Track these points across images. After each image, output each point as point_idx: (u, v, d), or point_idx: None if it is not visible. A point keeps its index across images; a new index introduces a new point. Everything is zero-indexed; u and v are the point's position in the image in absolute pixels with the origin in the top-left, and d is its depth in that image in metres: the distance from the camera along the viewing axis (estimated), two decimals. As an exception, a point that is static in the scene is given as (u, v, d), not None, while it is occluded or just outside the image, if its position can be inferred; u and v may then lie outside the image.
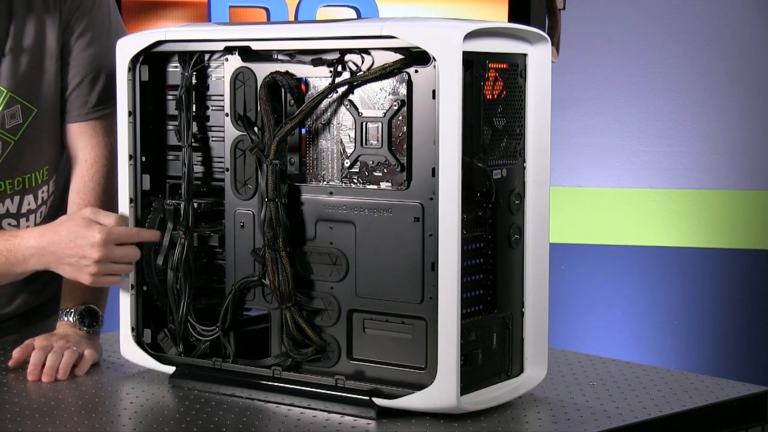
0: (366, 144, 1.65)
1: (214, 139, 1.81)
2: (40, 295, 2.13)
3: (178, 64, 1.81)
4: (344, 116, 1.66)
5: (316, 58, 1.67)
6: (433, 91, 1.57)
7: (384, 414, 1.62)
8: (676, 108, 3.99)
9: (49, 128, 2.02)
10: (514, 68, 1.67)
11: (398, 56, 1.60)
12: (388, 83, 1.62)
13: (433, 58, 1.56)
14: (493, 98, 1.64)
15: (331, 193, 1.68)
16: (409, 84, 1.60)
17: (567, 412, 1.65)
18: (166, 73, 1.83)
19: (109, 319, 1.99)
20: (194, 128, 1.81)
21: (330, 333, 1.68)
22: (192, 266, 1.80)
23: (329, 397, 1.66)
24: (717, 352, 4.03)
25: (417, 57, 1.59)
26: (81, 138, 2.02)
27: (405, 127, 1.61)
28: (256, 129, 1.72)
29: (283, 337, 1.70)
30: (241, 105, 1.73)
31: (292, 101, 1.70)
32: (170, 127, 1.84)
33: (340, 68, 1.65)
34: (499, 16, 3.28)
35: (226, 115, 1.75)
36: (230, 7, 3.31)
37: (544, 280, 1.71)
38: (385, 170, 1.64)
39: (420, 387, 1.60)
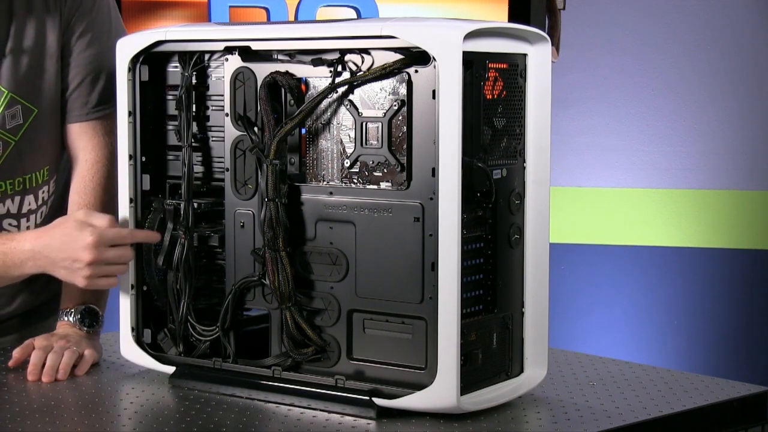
0: (366, 144, 1.65)
1: (214, 139, 1.81)
2: (40, 295, 2.13)
3: (178, 64, 1.81)
4: (344, 116, 1.66)
5: (316, 58, 1.67)
6: (433, 91, 1.58)
7: (384, 414, 1.62)
8: (676, 108, 3.99)
9: (50, 128, 2.02)
10: (514, 68, 1.67)
11: (398, 56, 1.60)
12: (388, 83, 1.62)
13: (433, 58, 1.56)
14: (493, 98, 1.64)
15: (331, 193, 1.68)
16: (409, 84, 1.60)
17: (567, 412, 1.65)
18: (166, 73, 1.84)
19: (109, 319, 1.99)
20: (194, 128, 1.81)
21: (330, 333, 1.68)
22: (192, 266, 1.80)
23: (329, 397, 1.66)
24: (717, 352, 4.03)
25: (417, 57, 1.59)
26: (81, 138, 2.02)
27: (405, 127, 1.61)
28: (256, 129, 1.72)
29: (283, 337, 1.70)
30: (241, 105, 1.73)
31: (292, 101, 1.70)
32: (170, 127, 1.84)
33: (340, 68, 1.65)
34: (499, 16, 3.28)
35: (226, 115, 1.75)
36: (230, 7, 3.31)
37: (544, 280, 1.71)
38: (385, 170, 1.64)
39: (420, 387, 1.60)
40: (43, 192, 2.06)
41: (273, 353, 1.73)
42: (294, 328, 1.69)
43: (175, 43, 1.78)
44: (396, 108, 1.61)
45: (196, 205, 1.80)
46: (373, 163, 1.64)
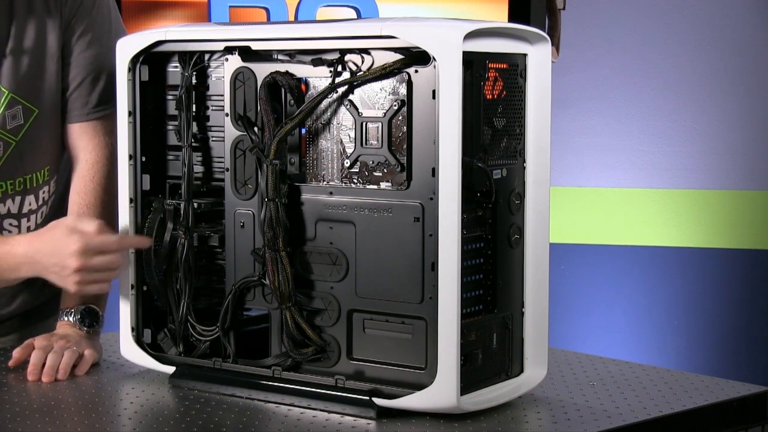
0: (366, 144, 1.65)
1: (214, 139, 1.81)
2: (40, 295, 2.13)
3: (178, 64, 1.81)
4: (344, 116, 1.67)
5: (316, 58, 1.67)
6: (433, 91, 1.58)
7: (384, 414, 1.62)
8: (676, 108, 3.99)
9: (50, 129, 2.02)
10: (514, 68, 1.67)
11: (398, 56, 1.60)
12: (388, 83, 1.62)
13: (433, 58, 1.56)
14: (493, 98, 1.64)
15: (331, 193, 1.68)
16: (409, 84, 1.60)
17: (567, 412, 1.65)
18: (166, 73, 1.83)
19: (109, 319, 1.99)
20: (194, 128, 1.81)
21: (330, 333, 1.68)
22: (192, 266, 1.80)
23: (329, 397, 1.66)
24: (717, 352, 4.03)
25: (417, 57, 1.59)
26: (82, 138, 2.02)
27: (405, 127, 1.61)
28: (256, 129, 1.72)
29: (283, 337, 1.70)
30: (241, 105, 1.73)
31: (292, 101, 1.70)
32: (170, 127, 1.84)
33: (340, 68, 1.65)
34: (499, 16, 3.28)
35: (226, 115, 1.75)
36: (230, 7, 3.31)
37: (544, 280, 1.71)
38: (385, 170, 1.64)
39: (420, 387, 1.60)
40: (44, 192, 2.06)
41: (273, 353, 1.73)
42: (294, 328, 1.69)
43: (175, 43, 1.78)
44: (396, 108, 1.61)
45: (196, 205, 1.80)
46: (373, 163, 1.64)
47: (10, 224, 2.03)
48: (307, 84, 1.70)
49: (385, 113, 1.63)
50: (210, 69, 1.80)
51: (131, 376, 1.86)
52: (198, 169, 1.82)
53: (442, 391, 1.58)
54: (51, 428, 1.61)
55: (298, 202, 1.70)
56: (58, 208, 2.10)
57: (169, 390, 1.78)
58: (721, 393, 1.76)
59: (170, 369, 1.81)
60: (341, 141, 1.67)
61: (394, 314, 1.63)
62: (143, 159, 1.83)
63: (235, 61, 1.74)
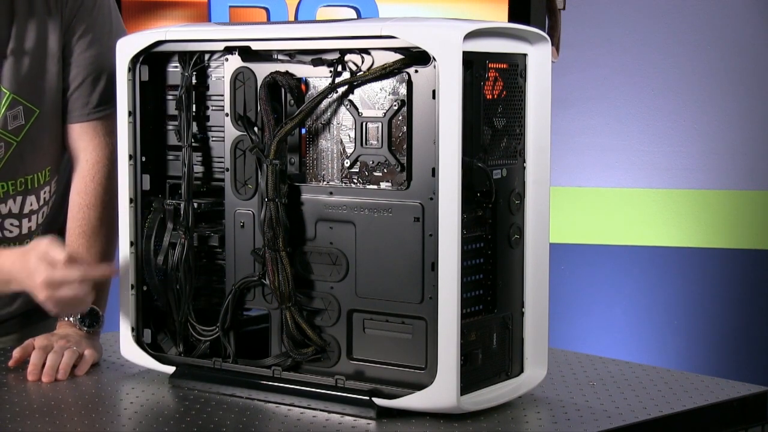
0: (366, 144, 1.65)
1: (214, 139, 1.81)
2: (40, 296, 2.13)
3: (178, 64, 1.81)
4: (344, 116, 1.67)
5: (316, 58, 1.67)
6: (433, 91, 1.58)
7: (384, 414, 1.62)
8: (676, 108, 3.99)
9: (51, 129, 2.02)
10: (514, 68, 1.67)
11: (398, 56, 1.60)
12: (388, 83, 1.62)
13: (433, 58, 1.56)
14: (493, 98, 1.64)
15: (331, 193, 1.68)
16: (409, 84, 1.60)
17: (567, 412, 1.65)
18: (166, 73, 1.84)
19: (109, 319, 1.99)
20: (194, 128, 1.81)
21: (330, 333, 1.68)
22: (192, 266, 1.80)
23: (329, 397, 1.66)
24: (717, 352, 4.03)
25: (417, 57, 1.59)
26: (82, 138, 2.02)
27: (405, 127, 1.61)
28: (256, 129, 1.72)
29: (283, 337, 1.70)
30: (241, 105, 1.73)
31: (292, 101, 1.70)
32: (170, 127, 1.84)
33: (340, 68, 1.65)
34: (499, 16, 3.28)
35: (226, 115, 1.75)
36: (230, 7, 3.31)
37: (544, 280, 1.71)
38: (385, 170, 1.64)
39: (420, 387, 1.60)
40: (45, 192, 2.06)
41: (273, 353, 1.73)
42: (294, 328, 1.69)
43: (175, 43, 1.78)
44: (396, 108, 1.61)
45: (196, 205, 1.80)
46: (373, 163, 1.64)
47: (12, 224, 2.04)
48: (307, 84, 1.70)
49: (385, 113, 1.63)
50: (210, 69, 1.80)
51: (131, 376, 1.86)
52: (198, 169, 1.82)
53: (442, 391, 1.58)
54: (51, 428, 1.61)
55: (298, 202, 1.70)
56: (59, 209, 2.10)
57: (169, 390, 1.78)
58: (721, 393, 1.76)
59: (170, 369, 1.81)
60: (341, 141, 1.67)
61: (394, 314, 1.63)
62: (143, 159, 1.83)
63: (235, 61, 1.74)
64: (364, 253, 1.65)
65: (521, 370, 1.72)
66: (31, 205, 2.05)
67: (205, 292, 1.82)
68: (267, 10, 3.31)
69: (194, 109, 1.81)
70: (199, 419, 1.63)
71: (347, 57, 1.65)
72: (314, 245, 1.69)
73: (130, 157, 1.83)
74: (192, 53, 1.78)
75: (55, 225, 2.11)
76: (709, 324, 4.03)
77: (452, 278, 1.56)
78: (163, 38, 1.78)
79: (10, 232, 2.04)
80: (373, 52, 1.63)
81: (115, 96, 1.84)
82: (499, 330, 1.68)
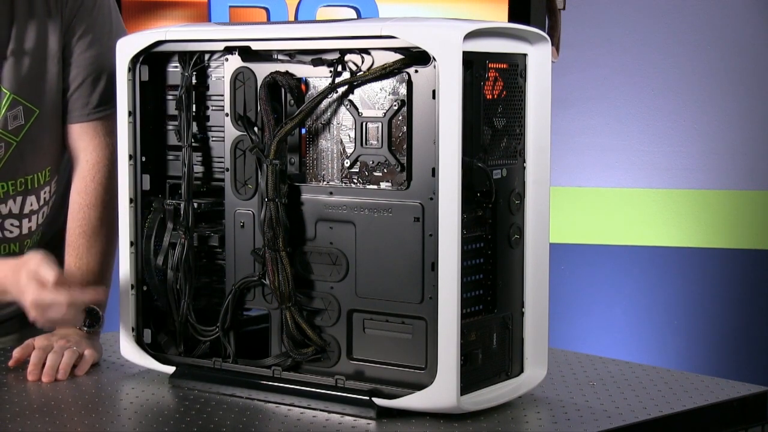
0: (366, 144, 1.65)
1: (214, 139, 1.81)
2: (40, 295, 2.13)
3: (178, 64, 1.81)
4: (344, 116, 1.67)
5: (316, 58, 1.67)
6: (433, 91, 1.58)
7: (384, 414, 1.62)
8: (676, 108, 3.99)
9: (51, 129, 2.02)
10: (514, 68, 1.67)
11: (398, 56, 1.60)
12: (388, 83, 1.62)
13: (433, 58, 1.56)
14: (493, 98, 1.64)
15: (331, 193, 1.68)
16: (409, 84, 1.60)
17: (567, 412, 1.65)
18: (166, 73, 1.84)
19: (109, 319, 1.99)
20: (194, 128, 1.81)
21: (330, 333, 1.68)
22: (192, 266, 1.80)
23: (329, 397, 1.66)
24: (717, 352, 4.03)
25: (417, 57, 1.59)
26: (82, 138, 2.02)
27: (405, 127, 1.61)
28: (256, 129, 1.72)
29: (283, 337, 1.70)
30: (241, 105, 1.73)
31: (292, 101, 1.70)
32: (170, 127, 1.84)
33: (340, 68, 1.65)
34: (499, 16, 3.28)
35: (226, 115, 1.75)
36: (230, 7, 3.31)
37: (544, 280, 1.71)
38: (385, 170, 1.64)
39: (420, 387, 1.60)
40: (45, 192, 2.06)
41: (273, 353, 1.73)
42: (294, 328, 1.69)
43: (175, 43, 1.78)
44: (396, 108, 1.61)
45: (196, 205, 1.80)
46: (373, 163, 1.64)
47: (12, 224, 2.04)
48: (307, 84, 1.70)
49: (385, 113, 1.63)
50: (210, 69, 1.80)
51: (131, 376, 1.86)
52: (198, 169, 1.82)
53: (442, 391, 1.58)
54: (51, 428, 1.61)
55: (298, 202, 1.70)
56: (59, 209, 2.10)
57: (169, 390, 1.78)
58: (721, 393, 1.76)
59: (170, 369, 1.81)
60: (341, 141, 1.67)
61: (394, 314, 1.63)
62: (143, 159, 1.83)
63: (235, 61, 1.74)
64: (364, 253, 1.65)
65: (521, 370, 1.72)
66: (32, 205, 2.05)
67: (205, 292, 1.82)
68: (267, 10, 3.31)
69: (194, 109, 1.81)
70: (199, 419, 1.63)
71: (347, 57, 1.65)
72: (314, 245, 1.69)
73: (130, 157, 1.83)
74: (192, 53, 1.78)
75: (55, 225, 2.11)
76: (709, 324, 4.03)
77: (452, 278, 1.56)
78: (163, 38, 1.78)
79: (11, 232, 2.04)
80: (373, 52, 1.63)
81: (115, 96, 1.84)
82: (499, 330, 1.68)
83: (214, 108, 1.80)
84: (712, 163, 3.99)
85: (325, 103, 1.67)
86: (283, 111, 1.71)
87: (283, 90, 1.70)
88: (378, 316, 1.65)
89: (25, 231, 2.06)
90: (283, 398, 1.70)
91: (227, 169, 1.76)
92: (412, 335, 1.62)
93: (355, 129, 1.65)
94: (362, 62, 1.63)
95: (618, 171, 4.03)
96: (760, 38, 3.94)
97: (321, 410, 1.66)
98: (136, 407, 1.71)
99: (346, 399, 1.65)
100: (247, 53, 1.72)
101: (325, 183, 1.69)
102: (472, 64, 1.60)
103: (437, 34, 1.55)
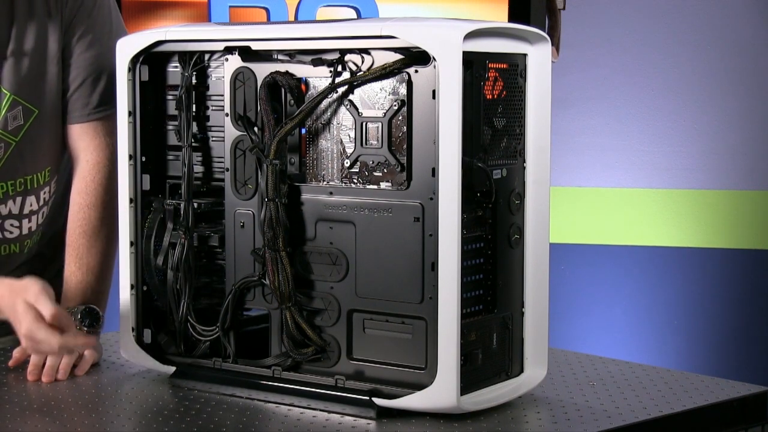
0: (366, 144, 1.65)
1: (214, 139, 1.81)
2: (40, 296, 2.13)
3: (178, 64, 1.81)
4: (344, 116, 1.67)
5: (316, 58, 1.67)
6: (433, 91, 1.58)
7: (384, 414, 1.62)
8: (676, 108, 3.99)
9: (51, 129, 2.02)
10: (514, 68, 1.67)
11: (398, 56, 1.60)
12: (388, 83, 1.62)
13: (433, 58, 1.56)
14: (493, 98, 1.64)
15: (331, 193, 1.68)
16: (409, 84, 1.60)
17: (567, 412, 1.65)
18: (166, 73, 1.84)
19: (109, 319, 1.99)
20: (194, 128, 1.81)
21: (330, 333, 1.68)
22: (192, 266, 1.80)
23: (329, 397, 1.66)
24: (717, 352, 4.03)
25: (417, 57, 1.59)
26: (82, 139, 2.02)
27: (405, 127, 1.61)
28: (256, 129, 1.72)
29: (283, 337, 1.70)
30: (241, 105, 1.73)
31: (292, 101, 1.70)
32: (170, 127, 1.84)
33: (340, 68, 1.65)
34: (499, 16, 3.28)
35: (226, 115, 1.75)
36: (230, 7, 3.31)
37: (544, 280, 1.71)
38: (385, 170, 1.64)
39: (420, 387, 1.60)
40: (45, 193, 2.06)
41: (273, 353, 1.73)
42: (294, 328, 1.69)
43: (175, 43, 1.78)
44: (396, 108, 1.61)
45: (196, 205, 1.80)
46: (373, 163, 1.65)
47: (12, 225, 2.04)
48: (307, 84, 1.70)
49: (385, 113, 1.63)
50: (210, 69, 1.80)
51: (131, 376, 1.86)
52: (198, 169, 1.82)
53: (442, 391, 1.58)
54: (51, 428, 1.61)
55: (298, 202, 1.70)
56: (59, 209, 2.10)
57: (169, 390, 1.78)
58: (721, 393, 1.76)
59: (170, 369, 1.81)
60: (341, 141, 1.67)
61: (394, 314, 1.63)
62: (143, 159, 1.83)
63: (235, 61, 1.74)
64: (364, 253, 1.65)
65: (521, 370, 1.72)
66: (31, 205, 2.05)
67: (205, 292, 1.82)
68: (267, 10, 3.31)
69: (194, 109, 1.81)
70: (199, 419, 1.63)
71: (347, 57, 1.65)
72: (314, 245, 1.69)
73: (130, 157, 1.83)
74: (192, 53, 1.78)
75: (55, 225, 2.11)
76: (709, 324, 4.03)
77: (452, 278, 1.56)
78: (163, 38, 1.78)
79: (10, 233, 2.04)
80: (373, 52, 1.63)
81: (115, 96, 1.84)
82: (499, 330, 1.68)
83: (214, 108, 1.80)
84: (712, 163, 4.00)
85: (325, 103, 1.67)
86: (283, 111, 1.71)
87: (283, 90, 1.70)
88: (378, 316, 1.65)
89: (25, 231, 2.06)
90: (283, 398, 1.70)
91: (227, 169, 1.76)
92: (412, 335, 1.62)
93: (355, 129, 1.65)
94: (362, 62, 1.63)
95: (618, 171, 4.03)
96: (760, 38, 3.94)
97: (321, 410, 1.66)
98: (136, 407, 1.71)
99: (346, 399, 1.65)
100: (247, 53, 1.72)
101: (325, 183, 1.69)
102: (472, 64, 1.60)
103: (437, 34, 1.55)
